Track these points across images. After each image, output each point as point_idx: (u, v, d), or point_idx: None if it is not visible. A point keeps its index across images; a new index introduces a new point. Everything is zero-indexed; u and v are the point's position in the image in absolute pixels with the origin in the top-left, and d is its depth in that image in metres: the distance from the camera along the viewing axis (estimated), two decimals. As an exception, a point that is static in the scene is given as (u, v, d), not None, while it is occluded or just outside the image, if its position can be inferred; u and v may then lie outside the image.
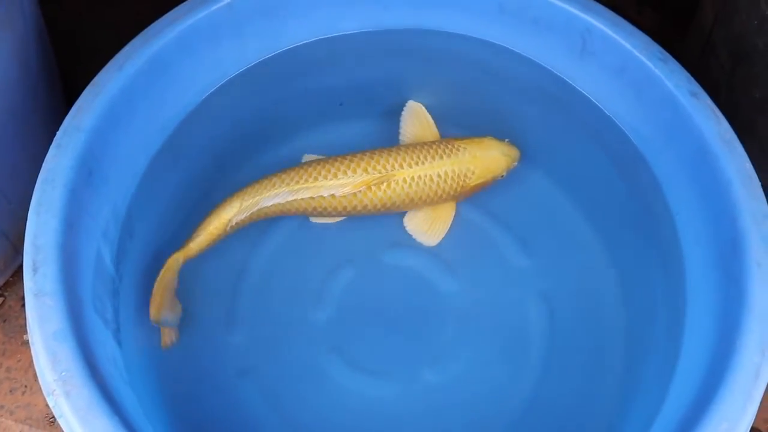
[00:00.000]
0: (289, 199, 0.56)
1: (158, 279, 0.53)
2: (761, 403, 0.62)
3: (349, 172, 0.56)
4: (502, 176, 0.60)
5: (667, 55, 0.52)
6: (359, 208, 0.58)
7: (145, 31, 0.53)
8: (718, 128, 0.48)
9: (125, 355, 0.49)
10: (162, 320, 0.53)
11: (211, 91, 0.57)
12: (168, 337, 0.54)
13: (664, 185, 0.52)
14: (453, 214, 0.60)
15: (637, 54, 0.52)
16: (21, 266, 0.55)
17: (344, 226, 0.61)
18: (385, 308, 0.59)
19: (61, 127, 0.48)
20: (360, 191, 0.56)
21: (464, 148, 0.59)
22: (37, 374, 0.41)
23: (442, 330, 0.58)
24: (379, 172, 0.57)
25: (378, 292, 0.59)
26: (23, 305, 0.65)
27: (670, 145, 0.52)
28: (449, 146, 0.59)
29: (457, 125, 0.62)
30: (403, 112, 0.62)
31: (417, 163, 0.57)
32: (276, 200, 0.56)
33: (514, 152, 0.60)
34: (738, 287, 0.44)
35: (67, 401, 0.39)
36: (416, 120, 0.62)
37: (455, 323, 0.58)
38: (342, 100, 0.63)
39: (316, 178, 0.56)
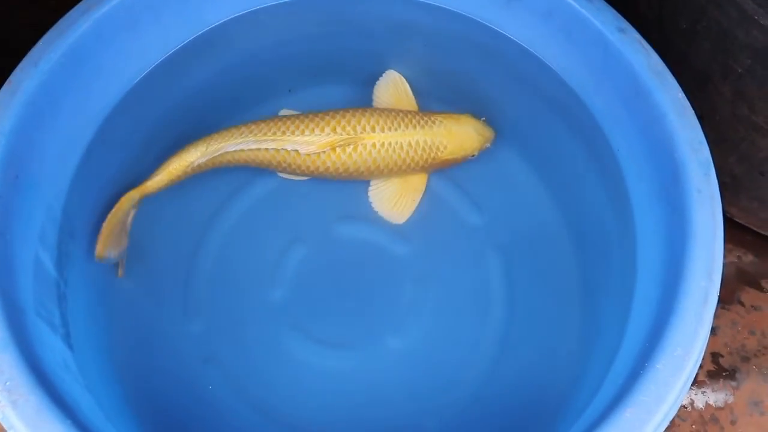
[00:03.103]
0: (253, 147, 0.55)
1: (109, 216, 0.52)
2: (720, 328, 0.64)
3: (317, 130, 0.55)
4: (474, 156, 0.59)
5: (592, -7, 0.52)
6: (322, 169, 0.57)
7: (59, 23, 0.51)
8: (648, 61, 0.48)
9: (78, 358, 0.48)
10: (105, 258, 0.53)
11: (138, 78, 0.55)
12: (121, 268, 0.55)
13: (603, 124, 0.52)
14: (423, 190, 0.59)
15: (563, -5, 0.52)
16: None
17: (294, 202, 0.60)
18: (342, 280, 0.58)
19: (-21, 133, 0.46)
20: (325, 152, 0.55)
21: (440, 121, 0.58)
22: (-19, 388, 0.40)
23: (401, 295, 0.58)
24: (348, 134, 0.56)
25: (333, 265, 0.59)
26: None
27: (604, 83, 0.51)
28: (425, 118, 0.58)
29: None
30: (379, 81, 0.60)
31: (389, 129, 0.56)
32: (240, 147, 0.55)
33: (488, 132, 0.59)
34: (681, 215, 0.44)
35: (14, 410, 0.38)
36: (393, 89, 0.60)
37: (413, 287, 0.58)
38: (290, 85, 0.62)
39: (284, 132, 0.56)
